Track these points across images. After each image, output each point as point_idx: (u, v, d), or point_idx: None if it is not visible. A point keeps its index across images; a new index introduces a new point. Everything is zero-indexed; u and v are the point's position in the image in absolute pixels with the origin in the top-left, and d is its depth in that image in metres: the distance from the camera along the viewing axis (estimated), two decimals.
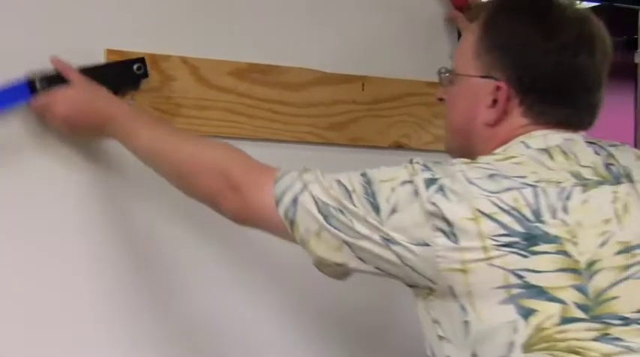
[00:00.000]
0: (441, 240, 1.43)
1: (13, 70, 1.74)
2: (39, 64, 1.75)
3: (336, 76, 2.03)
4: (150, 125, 1.72)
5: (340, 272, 1.57)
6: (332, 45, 2.06)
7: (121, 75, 1.81)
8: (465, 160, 1.51)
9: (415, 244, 1.45)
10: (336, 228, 1.50)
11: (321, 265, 1.56)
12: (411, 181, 1.47)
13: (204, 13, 1.91)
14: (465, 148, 1.61)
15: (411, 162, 1.51)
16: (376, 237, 1.47)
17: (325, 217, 1.51)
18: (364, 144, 2.05)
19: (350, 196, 1.50)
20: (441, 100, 1.72)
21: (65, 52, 1.79)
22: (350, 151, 2.04)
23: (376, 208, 1.47)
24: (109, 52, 1.83)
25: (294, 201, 1.53)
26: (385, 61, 2.09)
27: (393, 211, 1.46)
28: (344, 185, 1.52)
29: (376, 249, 1.48)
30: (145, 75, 1.82)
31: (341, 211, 1.50)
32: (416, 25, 2.14)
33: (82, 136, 1.77)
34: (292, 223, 1.54)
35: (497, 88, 1.56)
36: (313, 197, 1.52)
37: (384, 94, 2.07)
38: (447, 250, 1.43)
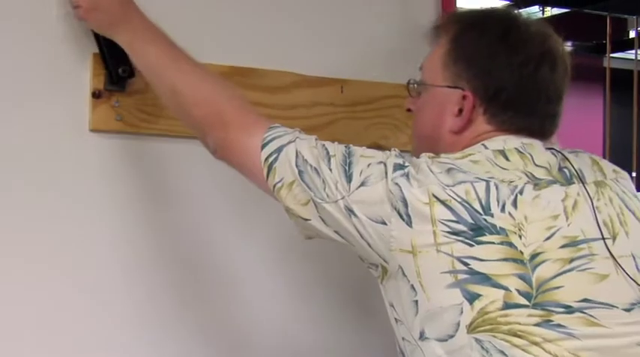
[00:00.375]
0: (396, 220, 1.50)
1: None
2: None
3: (315, 79, 2.05)
4: (160, 42, 1.72)
5: (305, 228, 1.61)
6: (312, 49, 2.07)
7: (110, 76, 1.82)
8: (430, 154, 1.58)
9: (373, 221, 1.52)
10: (307, 185, 1.56)
11: (289, 214, 1.61)
12: (384, 163, 1.54)
13: (188, 18, 1.91)
14: (432, 149, 1.65)
15: (390, 150, 1.58)
16: (340, 204, 1.54)
17: (300, 173, 1.57)
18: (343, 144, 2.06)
19: (329, 160, 1.56)
20: (409, 110, 1.78)
21: (55, 56, 1.81)
22: None
23: (349, 177, 1.54)
24: (96, 56, 1.82)
25: (279, 149, 1.59)
26: (363, 65, 2.10)
27: (362, 184, 1.53)
28: (327, 149, 1.58)
29: (338, 215, 1.55)
30: (132, 75, 1.81)
31: (316, 171, 1.56)
32: (393, 32, 2.15)
33: (99, 29, 1.77)
34: (270, 168, 1.59)
35: (464, 98, 1.62)
36: (296, 151, 1.58)
37: (362, 96, 2.09)
38: (401, 231, 1.50)
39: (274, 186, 1.59)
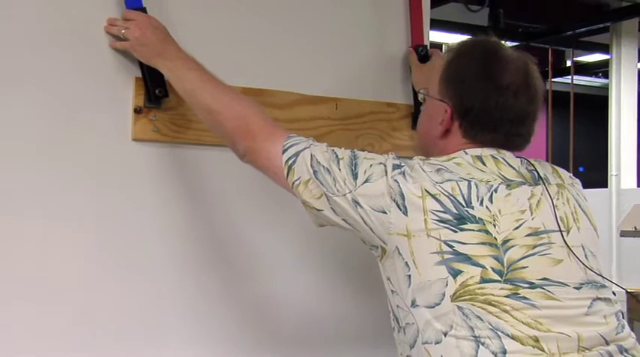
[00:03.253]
0: (395, 210, 1.53)
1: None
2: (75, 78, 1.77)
3: (314, 98, 2.04)
4: (194, 70, 1.73)
5: (318, 217, 1.63)
6: (311, 74, 2.06)
7: (148, 96, 1.82)
8: (422, 157, 1.61)
9: (375, 210, 1.54)
10: (320, 182, 1.58)
11: (305, 206, 1.63)
12: (384, 163, 1.57)
13: (210, 48, 1.91)
14: (426, 152, 1.69)
15: (388, 154, 1.61)
16: (348, 197, 1.56)
17: (315, 172, 1.59)
18: None
19: (338, 162, 1.59)
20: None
21: (101, 79, 1.81)
22: None
23: (355, 175, 1.57)
24: (138, 79, 1.83)
25: (297, 154, 1.61)
26: (354, 86, 2.10)
27: (366, 181, 1.56)
28: (336, 153, 1.61)
29: (346, 206, 1.57)
30: (166, 95, 1.83)
31: (328, 171, 1.58)
32: (379, 58, 2.15)
33: (143, 59, 1.78)
34: (290, 169, 1.61)
35: (445, 111, 1.65)
36: (311, 155, 1.60)
37: (353, 112, 2.08)
38: (398, 219, 1.53)
39: (293, 183, 1.62)
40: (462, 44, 1.74)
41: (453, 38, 7.63)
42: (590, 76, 9.92)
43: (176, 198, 1.90)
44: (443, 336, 1.48)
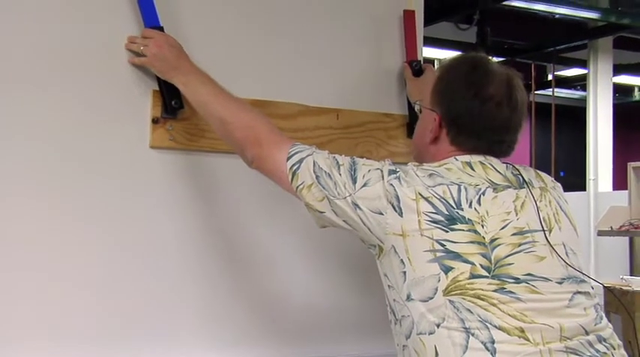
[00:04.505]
0: (391, 211, 1.52)
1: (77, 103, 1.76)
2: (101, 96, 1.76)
3: (316, 109, 2.04)
4: (207, 84, 1.74)
5: (320, 218, 1.63)
6: (314, 86, 2.06)
7: (165, 107, 1.83)
8: (416, 163, 1.61)
9: (373, 212, 1.54)
10: (322, 186, 1.58)
11: (309, 208, 1.62)
12: (381, 169, 1.57)
13: (221, 64, 1.91)
14: (420, 158, 1.70)
15: (384, 160, 1.61)
16: (348, 200, 1.56)
17: (317, 177, 1.59)
18: None
19: (339, 167, 1.59)
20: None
21: (122, 91, 1.81)
22: None
23: (354, 180, 1.57)
24: (155, 92, 1.83)
25: (300, 160, 1.61)
26: (354, 98, 2.09)
27: (365, 185, 1.56)
28: (337, 160, 1.61)
29: (346, 208, 1.56)
30: (181, 107, 1.82)
31: (329, 176, 1.58)
32: (377, 72, 2.14)
33: (160, 73, 1.78)
34: (294, 174, 1.61)
35: (434, 119, 1.65)
36: (314, 161, 1.60)
37: (353, 121, 2.08)
38: (394, 220, 1.53)
39: (297, 187, 1.61)
40: (452, 59, 1.74)
41: (444, 54, 7.65)
42: (570, 88, 9.93)
43: (190, 201, 1.89)
44: (436, 327, 1.47)
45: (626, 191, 5.20)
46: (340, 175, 1.58)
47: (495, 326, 1.45)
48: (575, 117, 9.29)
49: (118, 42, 1.81)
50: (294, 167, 1.61)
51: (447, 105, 1.64)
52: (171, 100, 1.81)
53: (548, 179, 1.71)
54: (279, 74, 2.02)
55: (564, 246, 1.58)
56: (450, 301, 1.47)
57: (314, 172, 1.59)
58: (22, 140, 1.72)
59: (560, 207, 1.64)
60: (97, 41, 1.80)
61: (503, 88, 1.62)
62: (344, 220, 1.59)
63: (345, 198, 1.56)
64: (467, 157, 1.61)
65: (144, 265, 1.83)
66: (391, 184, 1.54)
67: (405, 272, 1.52)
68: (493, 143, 1.63)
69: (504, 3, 5.77)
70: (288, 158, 1.63)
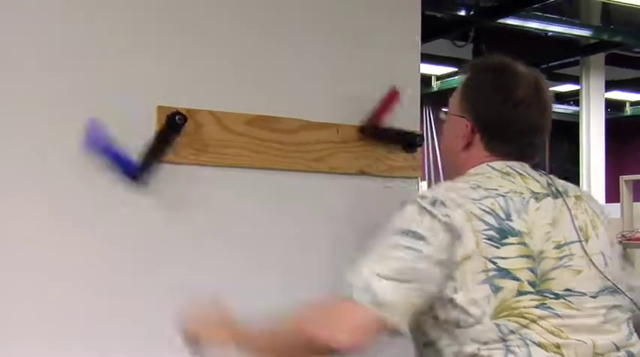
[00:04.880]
0: (448, 237, 1.40)
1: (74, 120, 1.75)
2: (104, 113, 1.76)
3: (318, 124, 2.03)
4: (255, 341, 1.46)
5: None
6: (315, 103, 2.05)
7: (168, 122, 1.81)
8: (447, 184, 1.52)
9: (437, 246, 1.40)
10: (408, 278, 1.37)
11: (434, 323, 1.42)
12: (424, 208, 1.42)
13: (225, 82, 1.91)
14: (450, 165, 1.64)
15: (412, 203, 1.45)
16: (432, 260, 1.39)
17: (397, 280, 1.36)
18: (338, 171, 2.05)
19: (399, 249, 1.39)
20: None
21: (126, 107, 1.80)
22: (328, 176, 2.04)
23: (420, 237, 1.40)
24: (160, 107, 1.83)
25: (366, 285, 1.35)
26: (353, 114, 2.08)
27: (422, 238, 1.40)
28: (388, 252, 1.40)
29: (423, 265, 1.39)
30: (185, 122, 1.80)
31: (411, 270, 1.38)
32: (374, 89, 2.12)
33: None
34: (380, 304, 1.34)
35: (466, 125, 1.58)
36: (376, 273, 1.36)
37: (352, 136, 2.07)
38: (453, 245, 1.39)
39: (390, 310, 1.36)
40: (477, 64, 1.68)
41: (441, 70, 7.67)
42: (563, 104, 9.95)
43: (194, 212, 1.89)
44: (477, 350, 1.40)
45: (619, 204, 5.20)
46: (410, 247, 1.38)
47: (534, 342, 1.39)
48: (568, 131, 9.29)
49: (128, 59, 1.81)
50: (375, 304, 1.34)
51: (477, 110, 1.58)
52: (174, 116, 1.80)
53: (579, 188, 1.64)
54: (283, 92, 2.02)
55: (603, 255, 1.51)
56: (496, 324, 1.39)
57: (390, 277, 1.36)
58: (24, 141, 1.72)
59: (596, 214, 1.57)
60: (107, 60, 1.80)
61: (532, 90, 1.57)
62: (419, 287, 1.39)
63: (425, 257, 1.38)
64: (501, 164, 1.54)
65: (144, 267, 1.82)
66: (446, 215, 1.40)
67: (452, 299, 1.39)
68: (523, 146, 1.58)
69: (499, 21, 5.79)
70: (353, 297, 1.34)
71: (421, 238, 1.39)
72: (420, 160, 2.17)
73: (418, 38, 2.20)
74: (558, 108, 9.49)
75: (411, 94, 2.17)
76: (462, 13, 5.88)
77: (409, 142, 2.12)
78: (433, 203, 1.43)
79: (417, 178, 2.18)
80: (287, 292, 1.96)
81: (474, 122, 1.58)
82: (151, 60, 1.85)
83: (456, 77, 7.71)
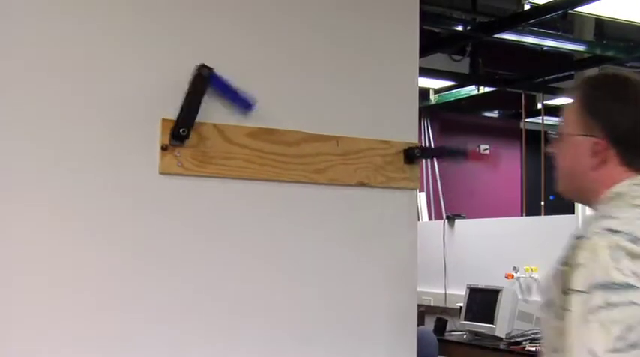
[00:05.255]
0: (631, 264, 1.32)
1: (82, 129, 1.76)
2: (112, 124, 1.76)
3: (318, 136, 2.03)
4: None
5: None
6: (317, 116, 2.05)
7: (173, 135, 1.83)
8: (605, 216, 1.42)
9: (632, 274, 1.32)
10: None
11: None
12: (617, 247, 1.34)
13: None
14: (576, 188, 1.53)
15: (602, 247, 1.34)
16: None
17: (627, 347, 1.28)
18: (338, 183, 2.05)
19: (619, 302, 1.30)
20: (550, 153, 1.58)
21: (131, 120, 1.81)
22: (328, 187, 2.04)
23: (631, 287, 1.31)
24: (164, 121, 1.84)
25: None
26: (353, 126, 2.09)
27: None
28: (609, 311, 1.30)
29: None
30: (188, 135, 1.83)
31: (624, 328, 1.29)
32: (374, 102, 2.14)
33: None
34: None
35: (596, 143, 1.47)
36: (610, 352, 1.27)
37: (352, 148, 2.07)
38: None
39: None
40: (590, 79, 1.60)
41: (438, 83, 7.67)
42: (558, 116, 9.94)
43: (198, 224, 1.89)
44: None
45: None
46: (625, 303, 1.29)
47: None
48: None
49: (133, 74, 1.83)
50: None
51: (609, 123, 1.46)
52: (178, 129, 1.81)
53: None
54: (285, 105, 2.02)
55: None
56: None
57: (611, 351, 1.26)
58: (24, 142, 1.72)
59: None
60: (109, 70, 1.81)
61: None
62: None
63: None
64: None
65: (145, 276, 1.82)
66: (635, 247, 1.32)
67: None
68: None
69: (495, 36, 5.80)
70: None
71: (632, 287, 1.29)
72: (418, 171, 2.17)
73: (417, 53, 2.20)
74: (553, 121, 9.44)
75: (410, 107, 2.18)
76: (459, 28, 5.89)
77: (408, 154, 2.13)
78: (634, 241, 1.33)
79: (415, 189, 2.18)
80: (288, 300, 1.97)
81: (608, 137, 1.47)
82: (156, 73, 1.85)
83: (453, 91, 7.71)
